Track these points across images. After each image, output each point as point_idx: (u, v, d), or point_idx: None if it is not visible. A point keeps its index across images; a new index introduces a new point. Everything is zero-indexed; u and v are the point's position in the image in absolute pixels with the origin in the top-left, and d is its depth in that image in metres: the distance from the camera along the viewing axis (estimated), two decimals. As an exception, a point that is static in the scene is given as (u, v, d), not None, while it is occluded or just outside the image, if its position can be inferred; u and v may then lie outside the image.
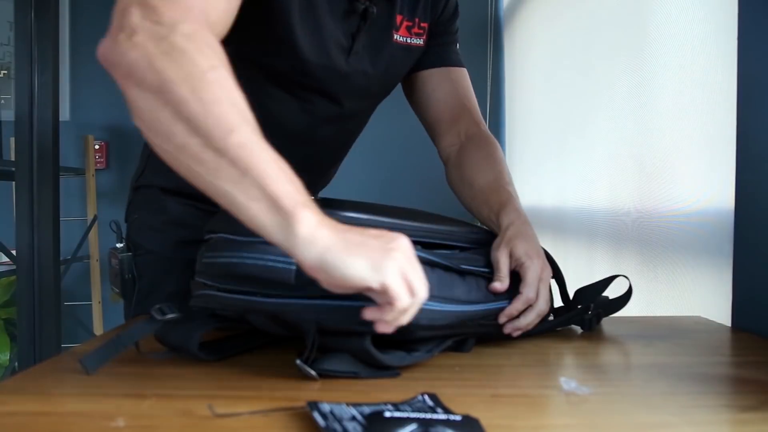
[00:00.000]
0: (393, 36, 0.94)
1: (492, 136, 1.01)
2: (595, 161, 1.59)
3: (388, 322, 0.53)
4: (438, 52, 1.02)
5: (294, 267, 0.58)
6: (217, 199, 0.55)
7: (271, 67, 0.89)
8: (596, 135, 1.59)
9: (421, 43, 0.98)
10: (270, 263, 0.59)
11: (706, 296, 1.00)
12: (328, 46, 0.87)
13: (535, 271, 0.73)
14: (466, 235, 0.76)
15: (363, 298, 0.54)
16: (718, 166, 0.95)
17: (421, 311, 0.58)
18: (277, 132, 0.92)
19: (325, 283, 0.53)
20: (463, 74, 1.04)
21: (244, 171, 0.52)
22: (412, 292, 0.53)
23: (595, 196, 1.60)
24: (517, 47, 2.63)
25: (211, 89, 0.54)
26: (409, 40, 0.96)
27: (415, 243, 0.66)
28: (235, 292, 0.61)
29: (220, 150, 0.53)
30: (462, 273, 0.68)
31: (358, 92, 0.95)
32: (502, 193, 0.86)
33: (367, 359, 0.58)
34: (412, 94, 1.05)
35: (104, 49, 0.58)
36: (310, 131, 0.96)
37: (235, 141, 0.53)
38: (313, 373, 0.56)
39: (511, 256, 0.74)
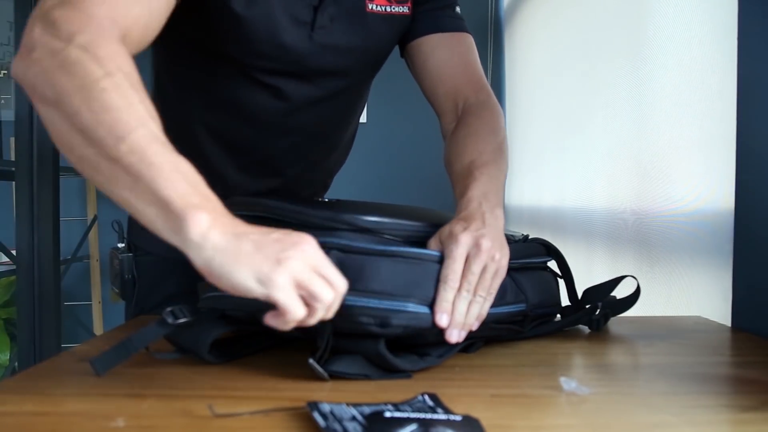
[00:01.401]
0: (367, 6, 0.87)
1: (490, 103, 0.91)
2: (594, 161, 1.59)
3: (288, 324, 0.52)
4: (427, 17, 0.93)
5: None
6: (121, 206, 0.55)
7: (229, 55, 0.85)
8: (595, 135, 1.59)
9: (406, 11, 0.91)
10: None
11: (705, 296, 1.00)
12: (282, 24, 0.82)
13: (455, 251, 0.61)
14: None
15: (380, 298, 0.57)
16: (717, 165, 0.96)
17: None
18: (254, 123, 0.90)
19: (219, 287, 0.51)
20: (461, 40, 0.94)
21: (136, 177, 0.52)
22: (313, 297, 0.51)
23: (593, 196, 1.60)
24: (517, 47, 2.63)
25: (102, 97, 0.54)
26: (389, 9, 0.89)
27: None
28: None
29: (113, 158, 0.53)
30: None
31: (331, 69, 0.89)
32: (468, 178, 0.75)
33: (380, 363, 0.58)
34: (410, 67, 0.97)
35: (13, 67, 0.59)
36: (289, 117, 0.90)
37: (125, 148, 0.53)
38: (325, 374, 0.56)
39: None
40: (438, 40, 0.93)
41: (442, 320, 0.60)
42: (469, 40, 0.96)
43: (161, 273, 1.00)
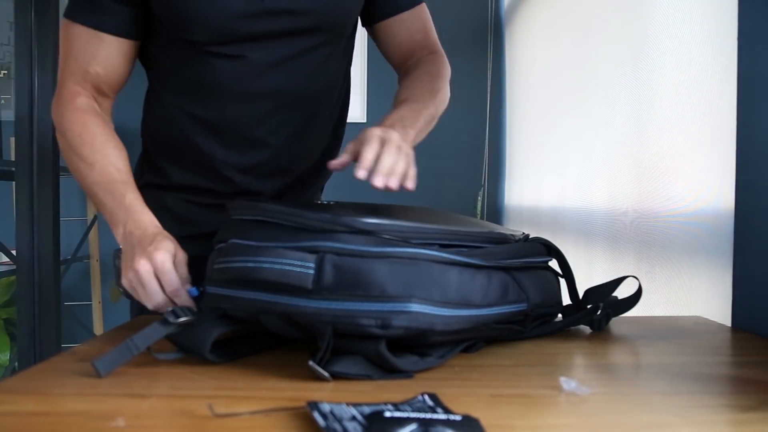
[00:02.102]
0: None
1: (436, 56, 1.05)
2: (594, 161, 1.59)
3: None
4: (386, 0, 1.04)
5: (312, 271, 0.58)
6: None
7: (190, 39, 0.91)
8: (595, 135, 1.59)
9: None
10: (287, 267, 0.58)
11: (705, 296, 1.00)
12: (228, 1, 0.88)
13: (370, 131, 0.76)
14: (486, 236, 0.71)
15: (380, 301, 0.57)
16: (716, 165, 0.96)
17: (437, 317, 0.59)
18: (227, 95, 0.96)
19: None
20: (416, 13, 1.06)
21: (96, 201, 0.88)
22: (146, 293, 0.75)
23: (593, 197, 1.60)
24: (517, 47, 2.63)
25: (73, 162, 0.89)
26: None
27: (436, 245, 0.64)
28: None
29: (86, 192, 0.89)
30: (480, 268, 0.65)
31: (290, 31, 0.93)
32: (393, 108, 0.91)
33: (381, 363, 0.58)
34: (377, 45, 1.10)
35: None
36: (257, 82, 0.95)
37: (89, 190, 0.88)
38: (326, 374, 0.56)
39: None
40: (399, 20, 1.06)
41: (359, 174, 0.70)
42: (424, 10, 1.08)
43: None
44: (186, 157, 0.99)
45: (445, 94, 1.01)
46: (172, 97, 0.98)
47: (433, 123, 0.97)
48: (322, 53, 0.98)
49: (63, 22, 0.93)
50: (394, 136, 0.76)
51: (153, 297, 0.74)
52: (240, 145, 0.98)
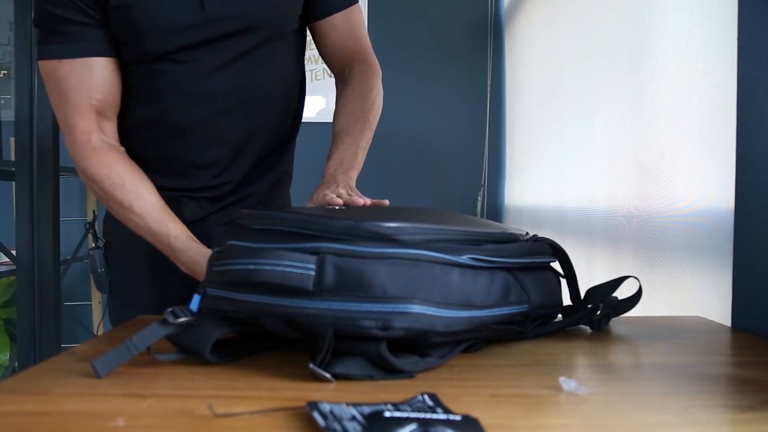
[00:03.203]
0: None
1: (367, 72, 1.08)
2: (594, 161, 1.59)
3: None
4: (321, 1, 1.07)
5: (313, 272, 0.58)
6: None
7: (145, 52, 0.95)
8: (595, 135, 1.59)
9: None
10: (288, 269, 0.58)
11: (705, 296, 1.00)
12: (169, 11, 0.92)
13: (318, 194, 0.88)
14: (500, 236, 0.71)
15: (381, 302, 0.57)
16: (717, 166, 0.96)
17: (438, 318, 0.58)
18: (182, 100, 1.00)
19: None
20: (350, 15, 1.09)
21: (148, 240, 0.96)
22: None
23: (594, 197, 1.60)
24: (517, 47, 2.63)
25: (116, 211, 0.96)
26: None
27: (443, 241, 0.63)
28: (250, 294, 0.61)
29: (136, 232, 0.96)
30: (482, 269, 0.65)
31: (231, 33, 0.97)
32: (332, 146, 1.00)
33: (381, 364, 0.58)
34: (314, 40, 1.12)
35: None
36: (208, 83, 0.98)
37: (133, 225, 0.96)
38: (328, 376, 0.56)
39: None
40: (331, 22, 1.08)
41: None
42: (357, 12, 1.10)
43: (131, 261, 1.08)
44: (150, 161, 1.03)
45: (378, 105, 1.07)
46: (133, 107, 1.01)
47: (371, 138, 1.05)
48: (267, 50, 1.02)
49: (44, 65, 0.94)
50: (340, 188, 0.87)
51: None
52: (200, 145, 1.03)
